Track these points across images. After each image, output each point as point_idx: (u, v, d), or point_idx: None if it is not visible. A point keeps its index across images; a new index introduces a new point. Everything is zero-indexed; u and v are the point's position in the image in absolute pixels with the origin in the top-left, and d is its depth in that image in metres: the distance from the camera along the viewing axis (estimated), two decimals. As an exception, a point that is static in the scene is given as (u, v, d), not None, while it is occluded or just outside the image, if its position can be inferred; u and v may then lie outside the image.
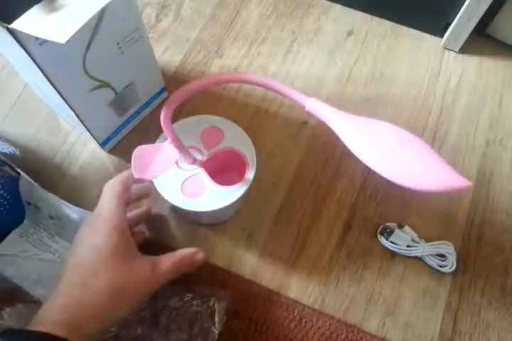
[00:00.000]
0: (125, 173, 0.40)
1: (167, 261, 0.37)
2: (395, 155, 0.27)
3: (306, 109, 0.30)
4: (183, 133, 0.37)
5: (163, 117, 0.33)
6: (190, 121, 0.42)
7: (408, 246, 0.46)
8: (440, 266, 0.46)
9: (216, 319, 0.42)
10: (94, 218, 0.37)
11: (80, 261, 0.35)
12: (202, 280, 0.44)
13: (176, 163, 0.40)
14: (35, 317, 0.31)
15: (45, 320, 0.31)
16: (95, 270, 0.34)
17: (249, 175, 0.40)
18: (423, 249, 0.45)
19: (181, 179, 0.40)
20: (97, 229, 0.36)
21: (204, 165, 0.40)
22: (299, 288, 0.46)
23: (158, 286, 0.36)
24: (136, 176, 0.33)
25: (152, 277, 0.36)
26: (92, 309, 0.32)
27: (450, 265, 0.45)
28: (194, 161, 0.40)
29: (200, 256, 0.39)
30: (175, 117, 0.53)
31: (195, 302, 0.42)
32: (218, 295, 0.43)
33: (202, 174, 0.40)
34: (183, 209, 0.39)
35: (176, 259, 0.37)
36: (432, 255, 0.46)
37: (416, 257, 0.46)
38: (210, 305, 0.42)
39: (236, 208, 0.47)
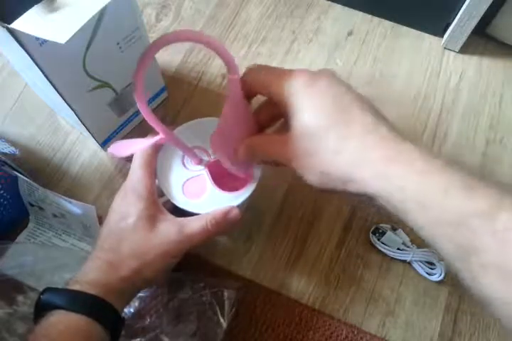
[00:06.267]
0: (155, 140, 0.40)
1: (196, 223, 0.37)
2: None
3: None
4: (194, 133, 0.37)
5: (144, 112, 0.33)
6: (203, 122, 0.41)
7: (398, 249, 0.46)
8: (428, 274, 0.45)
9: (225, 310, 0.42)
10: (125, 186, 0.38)
11: (111, 227, 0.37)
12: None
13: (182, 162, 0.40)
14: (72, 279, 0.34)
15: (80, 280, 0.34)
16: (123, 236, 0.36)
17: (251, 186, 0.39)
18: (413, 254, 0.45)
19: (184, 178, 0.40)
20: (126, 198, 0.38)
21: (210, 167, 0.40)
22: (299, 288, 0.46)
23: (186, 249, 0.37)
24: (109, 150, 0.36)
25: (178, 240, 0.36)
26: (121, 272, 0.35)
27: (438, 273, 0.45)
28: (200, 162, 0.40)
29: (234, 213, 0.38)
30: (174, 118, 0.53)
31: (204, 293, 0.42)
32: (228, 286, 0.43)
33: (205, 176, 0.40)
34: (181, 209, 0.39)
35: (205, 221, 0.37)
36: (421, 261, 0.45)
37: (405, 261, 0.46)
38: (219, 296, 0.42)
39: None
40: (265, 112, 0.36)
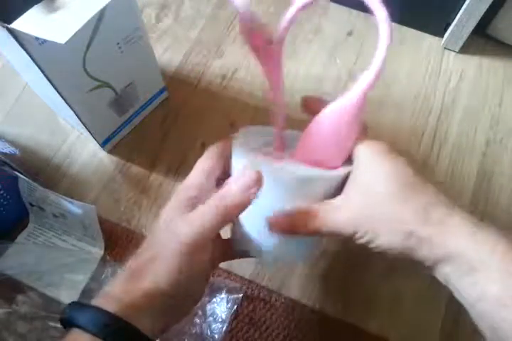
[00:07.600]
0: (222, 146, 0.34)
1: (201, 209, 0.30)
2: None
3: None
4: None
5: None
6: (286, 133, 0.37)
7: None
8: None
9: (226, 311, 0.42)
10: (186, 181, 0.33)
11: (153, 231, 0.32)
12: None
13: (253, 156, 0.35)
14: (102, 289, 0.30)
15: (104, 292, 0.29)
16: (153, 237, 0.31)
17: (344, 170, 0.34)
18: None
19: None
20: (180, 212, 0.31)
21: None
22: (299, 288, 0.46)
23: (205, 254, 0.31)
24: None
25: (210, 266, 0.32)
26: (140, 283, 0.29)
27: None
28: (282, 157, 0.35)
29: (253, 174, 0.30)
30: (174, 118, 0.53)
31: (205, 293, 0.42)
32: (228, 286, 0.43)
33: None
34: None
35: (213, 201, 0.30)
36: None
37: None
38: (220, 296, 0.42)
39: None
40: None
